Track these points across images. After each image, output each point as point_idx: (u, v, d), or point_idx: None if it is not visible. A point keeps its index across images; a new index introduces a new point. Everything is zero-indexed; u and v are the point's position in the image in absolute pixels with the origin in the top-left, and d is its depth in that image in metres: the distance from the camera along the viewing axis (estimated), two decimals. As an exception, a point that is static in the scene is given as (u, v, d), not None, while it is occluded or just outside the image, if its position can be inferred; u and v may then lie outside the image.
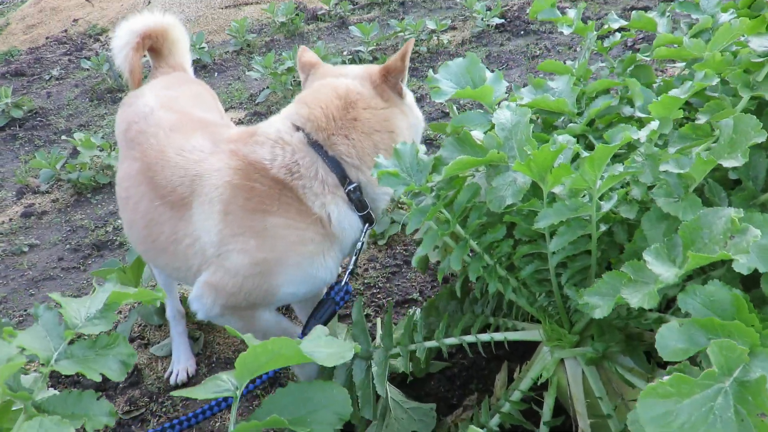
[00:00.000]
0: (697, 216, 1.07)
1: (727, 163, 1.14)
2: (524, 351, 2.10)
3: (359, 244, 1.91)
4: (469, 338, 1.80)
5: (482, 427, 1.65)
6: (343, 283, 1.89)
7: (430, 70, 1.69)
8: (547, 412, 1.61)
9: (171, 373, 2.66)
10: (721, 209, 1.06)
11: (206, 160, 1.89)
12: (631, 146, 1.61)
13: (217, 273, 1.82)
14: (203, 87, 2.63)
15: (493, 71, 1.71)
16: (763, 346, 0.96)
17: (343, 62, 5.41)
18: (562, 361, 1.61)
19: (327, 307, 1.86)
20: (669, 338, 0.98)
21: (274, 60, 5.35)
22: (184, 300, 2.91)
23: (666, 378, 0.89)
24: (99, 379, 1.29)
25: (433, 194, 1.56)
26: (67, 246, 3.82)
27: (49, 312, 1.36)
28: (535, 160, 1.32)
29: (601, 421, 1.52)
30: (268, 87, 5.30)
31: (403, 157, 1.61)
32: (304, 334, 1.86)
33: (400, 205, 3.35)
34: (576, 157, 1.48)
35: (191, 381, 2.64)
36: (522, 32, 5.68)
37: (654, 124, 1.31)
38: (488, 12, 5.78)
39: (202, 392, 1.25)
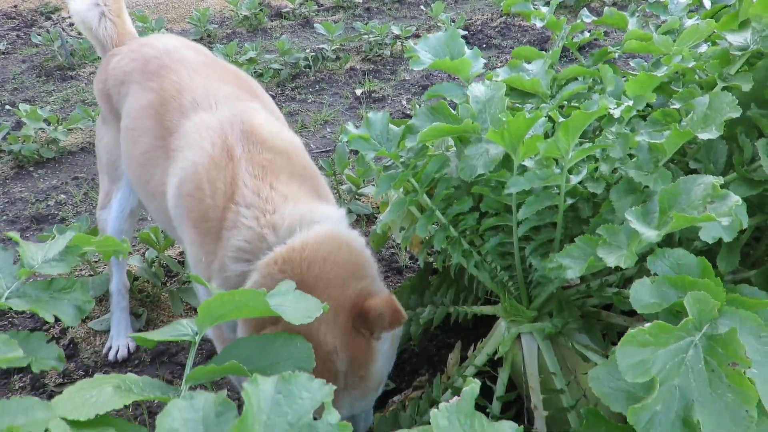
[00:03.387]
0: (676, 182, 1.10)
1: (703, 135, 1.18)
2: (477, 338, 2.11)
3: None
4: (427, 315, 1.81)
5: (433, 404, 1.64)
6: None
7: (410, 41, 1.69)
8: (500, 387, 1.61)
9: (110, 348, 2.55)
10: (700, 176, 1.09)
11: (210, 119, 1.74)
12: (599, 132, 1.65)
13: None
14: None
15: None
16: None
17: (306, 58, 5.39)
18: (518, 337, 1.61)
19: None
20: (642, 293, 1.00)
21: (236, 51, 5.27)
22: (130, 275, 2.81)
23: (647, 325, 0.91)
24: (51, 319, 1.22)
25: (402, 161, 1.56)
26: (4, 218, 3.63)
27: (4, 251, 1.28)
28: (509, 128, 1.34)
29: (553, 396, 1.53)
30: (227, 76, 5.21)
31: (373, 125, 1.61)
32: None
33: (357, 197, 3.34)
34: (547, 136, 1.50)
35: (131, 357, 2.54)
36: (484, 45, 5.79)
37: (629, 102, 1.35)
38: (453, 23, 5.87)
39: (160, 335, 1.20)
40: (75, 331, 2.68)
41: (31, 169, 4.14)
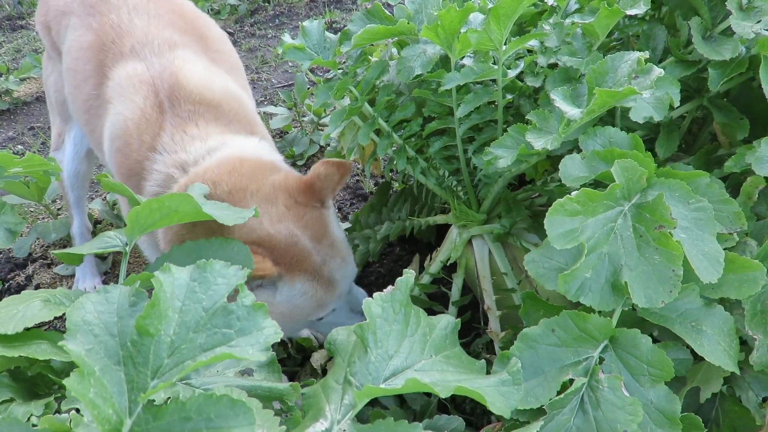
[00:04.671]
0: (603, 60, 1.08)
1: (632, 12, 1.15)
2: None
3: None
4: (384, 231, 1.80)
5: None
6: None
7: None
8: (455, 292, 1.63)
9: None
10: (627, 53, 1.07)
11: (143, 72, 1.66)
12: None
13: None
14: None
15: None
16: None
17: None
18: (470, 242, 1.62)
19: None
20: (572, 168, 1.00)
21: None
22: (92, 218, 2.77)
23: (574, 193, 0.90)
24: (-22, 241, 1.20)
25: (341, 71, 1.52)
26: (-38, 172, 3.55)
27: None
28: (443, 24, 1.30)
29: (505, 295, 1.55)
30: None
31: (310, 34, 1.56)
32: None
33: (319, 127, 3.29)
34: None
35: (98, 298, 2.54)
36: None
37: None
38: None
39: (87, 248, 1.18)
40: (41, 277, 2.67)
41: (-15, 122, 4.03)
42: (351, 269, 1.49)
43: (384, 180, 2.19)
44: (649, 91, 0.96)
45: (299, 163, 3.16)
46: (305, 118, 3.39)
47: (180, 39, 1.79)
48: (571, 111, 1.02)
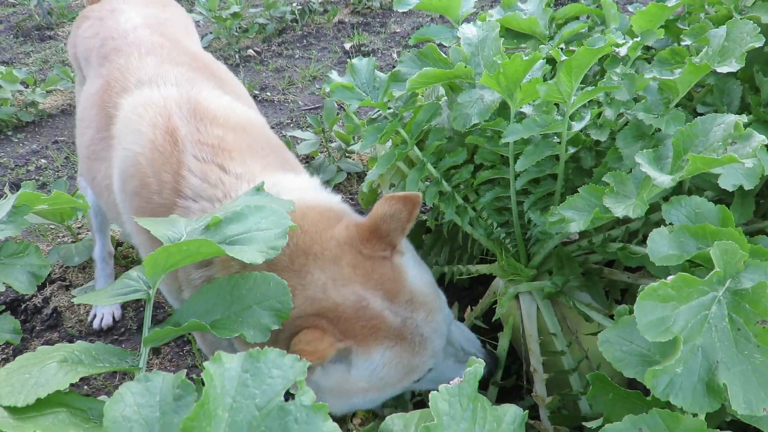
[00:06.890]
0: (693, 123, 0.98)
1: (722, 69, 1.06)
2: (474, 298, 2.03)
3: None
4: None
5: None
6: None
7: (393, -20, 1.54)
8: (501, 353, 1.53)
9: (94, 316, 2.47)
10: (720, 115, 0.97)
11: (152, 95, 1.50)
12: (600, 76, 1.53)
13: None
14: (184, 12, 2.35)
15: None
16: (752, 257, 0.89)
17: (292, 12, 5.18)
18: (516, 298, 1.52)
19: None
20: (660, 244, 0.90)
21: (219, 6, 5.06)
22: (113, 240, 2.70)
23: (670, 278, 0.81)
24: (2, 288, 1.12)
25: (390, 111, 1.44)
26: (-18, 184, 3.51)
27: (-53, 219, 1.16)
28: (505, 72, 1.22)
29: (553, 358, 1.45)
30: (211, 32, 5.02)
31: (358, 73, 1.48)
32: None
33: (347, 154, 3.22)
34: (545, 80, 1.38)
35: (117, 325, 2.46)
36: None
37: (636, 38, 1.22)
38: (444, -28, 5.65)
39: (108, 294, 1.07)
40: (58, 300, 2.59)
41: (9, 133, 4.00)
42: (442, 320, 1.26)
43: (419, 221, 2.10)
44: (752, 160, 0.86)
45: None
46: (333, 144, 3.31)
47: (194, 75, 1.65)
48: (660, 178, 0.93)
